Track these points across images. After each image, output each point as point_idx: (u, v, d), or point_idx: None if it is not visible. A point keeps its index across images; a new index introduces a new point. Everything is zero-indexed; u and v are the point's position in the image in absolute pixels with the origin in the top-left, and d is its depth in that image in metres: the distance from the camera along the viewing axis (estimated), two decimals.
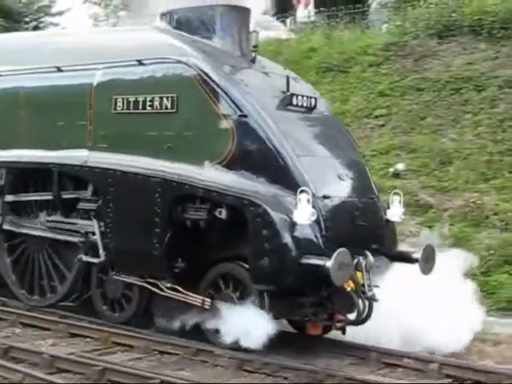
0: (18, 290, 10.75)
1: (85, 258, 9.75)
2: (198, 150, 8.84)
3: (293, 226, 8.17)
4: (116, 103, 9.54)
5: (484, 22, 16.55)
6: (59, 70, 10.29)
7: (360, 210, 8.84)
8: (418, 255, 9.08)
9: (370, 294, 8.55)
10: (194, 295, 8.81)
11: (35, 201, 10.59)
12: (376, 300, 8.59)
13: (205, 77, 8.85)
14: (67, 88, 10.17)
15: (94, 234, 9.64)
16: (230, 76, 8.94)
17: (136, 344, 8.65)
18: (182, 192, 8.75)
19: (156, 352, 8.48)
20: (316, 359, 8.40)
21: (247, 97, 8.73)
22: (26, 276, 10.72)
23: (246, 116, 8.59)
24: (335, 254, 7.94)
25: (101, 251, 9.48)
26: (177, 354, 8.40)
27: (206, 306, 8.72)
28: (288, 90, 9.17)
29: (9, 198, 10.74)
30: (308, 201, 8.06)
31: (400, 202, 9.34)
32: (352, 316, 8.69)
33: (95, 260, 9.63)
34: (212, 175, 8.63)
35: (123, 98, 9.48)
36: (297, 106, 9.12)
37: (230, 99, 8.69)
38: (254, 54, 9.69)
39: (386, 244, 9.15)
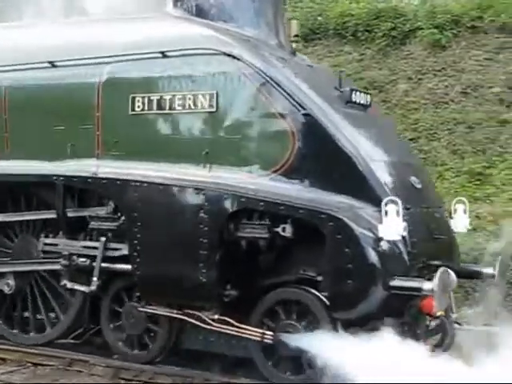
0: (7, 330, 9.10)
1: (69, 285, 8.29)
2: (246, 157, 7.49)
3: (378, 242, 6.94)
4: (134, 103, 8.05)
5: (348, 25, 16.62)
6: (53, 65, 8.68)
7: (435, 221, 7.72)
8: (490, 270, 8.02)
9: (453, 316, 7.45)
10: (250, 327, 7.44)
11: (23, 222, 8.96)
12: (460, 324, 7.50)
13: (254, 69, 7.49)
14: (64, 86, 8.57)
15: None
16: (284, 69, 7.62)
17: (8, 357, 8.39)
18: (236, 206, 7.35)
19: (30, 364, 8.23)
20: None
21: (308, 92, 7.43)
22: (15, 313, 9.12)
23: (308, 115, 7.29)
24: (438, 275, 6.77)
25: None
26: (51, 365, 8.13)
27: (266, 340, 7.36)
28: (341, 86, 7.96)
29: None
30: (397, 213, 6.85)
31: (465, 211, 8.28)
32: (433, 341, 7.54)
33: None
34: (270, 185, 7.30)
35: (143, 97, 8.00)
36: (355, 103, 7.89)
37: (288, 95, 7.37)
38: (294, 45, 8.42)
39: (455, 259, 8.05)
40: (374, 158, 7.28)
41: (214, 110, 7.63)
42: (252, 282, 7.54)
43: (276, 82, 7.42)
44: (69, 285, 8.40)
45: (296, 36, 8.39)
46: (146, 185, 7.75)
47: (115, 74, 8.23)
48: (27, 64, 8.82)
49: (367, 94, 8.17)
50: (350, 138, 7.26)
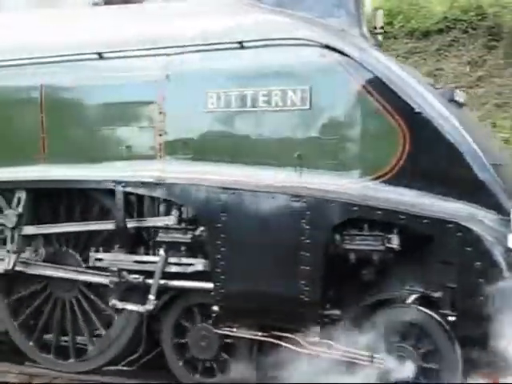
0: (39, 355, 8.07)
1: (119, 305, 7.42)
2: (345, 160, 6.69)
3: (509, 253, 6.26)
4: (208, 99, 7.15)
5: None
6: (101, 56, 7.70)
7: None
8: None
9: None
10: (358, 351, 6.65)
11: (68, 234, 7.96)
12: None
13: (356, 63, 6.71)
14: (116, 81, 7.60)
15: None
16: (390, 63, 6.86)
17: None
18: (346, 216, 6.55)
19: None
20: None
21: (418, 89, 6.69)
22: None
23: (421, 113, 6.55)
24: None
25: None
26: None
27: (377, 364, 6.59)
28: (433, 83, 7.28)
29: (29, 229, 7.99)
30: None
31: None
32: None
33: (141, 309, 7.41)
34: (378, 192, 6.53)
35: (220, 93, 7.11)
36: (456, 102, 7.18)
37: (397, 91, 6.61)
38: (379, 38, 7.67)
39: None
40: (487, 161, 6.58)
41: (307, 107, 6.80)
42: (352, 301, 6.76)
43: (383, 77, 6.65)
44: (120, 305, 7.44)
45: (382, 28, 7.62)
46: (232, 192, 6.86)
47: (183, 66, 7.32)
48: (69, 55, 7.81)
49: (462, 91, 7.49)
50: (466, 140, 6.54)
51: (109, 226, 7.54)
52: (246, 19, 7.30)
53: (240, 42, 7.08)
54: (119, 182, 7.38)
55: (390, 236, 6.47)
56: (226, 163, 7.04)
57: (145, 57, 7.50)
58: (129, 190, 7.37)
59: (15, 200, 7.95)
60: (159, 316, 7.62)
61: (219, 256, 6.89)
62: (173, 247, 7.27)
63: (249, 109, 7.02)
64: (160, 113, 7.36)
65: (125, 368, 7.92)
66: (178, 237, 7.22)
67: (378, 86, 6.63)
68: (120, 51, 7.62)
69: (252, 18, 7.31)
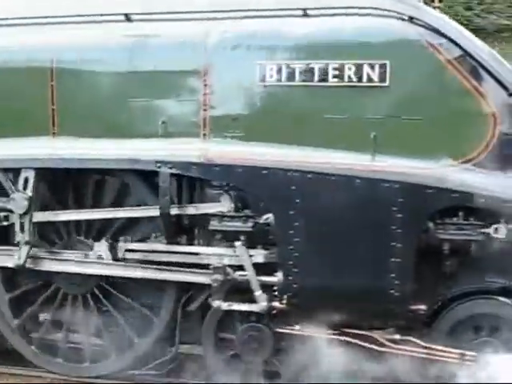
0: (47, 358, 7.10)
1: (224, 306, 6.50)
2: (429, 143, 6.17)
3: None
4: (265, 72, 6.40)
5: None
6: (128, 19, 6.76)
7: None
8: None
9: None
10: (447, 349, 6.18)
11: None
12: None
13: (441, 37, 6.17)
14: (148, 47, 6.68)
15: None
16: (477, 40, 6.37)
17: None
18: (446, 203, 6.03)
19: None
20: None
21: (505, 69, 6.26)
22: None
23: None
24: None
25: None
26: None
27: (468, 362, 6.15)
28: None
29: (40, 216, 6.93)
30: None
31: None
32: None
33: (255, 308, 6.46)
34: (472, 177, 6.06)
35: (281, 65, 6.38)
36: None
37: (489, 71, 6.16)
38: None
39: None
40: None
41: (385, 84, 6.21)
42: (434, 294, 6.28)
43: (473, 54, 6.16)
44: (225, 305, 6.58)
45: (441, 1, 7.12)
46: (309, 175, 6.16)
47: (234, 33, 6.51)
48: (86, 16, 6.80)
49: None
50: None
51: (152, 212, 6.61)
52: None
53: (304, 10, 6.35)
54: (165, 163, 6.47)
55: (496, 225, 6.00)
56: (287, 144, 6.33)
57: (182, 21, 6.61)
58: (176, 171, 6.47)
59: (21, 181, 6.85)
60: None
61: (292, 247, 6.19)
62: (227, 237, 6.47)
63: (316, 84, 6.32)
64: (205, 85, 6.51)
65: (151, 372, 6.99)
66: (235, 225, 6.43)
67: (467, 64, 6.15)
68: (153, 13, 6.68)
69: None
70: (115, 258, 6.79)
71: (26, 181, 6.84)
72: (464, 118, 6.13)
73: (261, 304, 6.39)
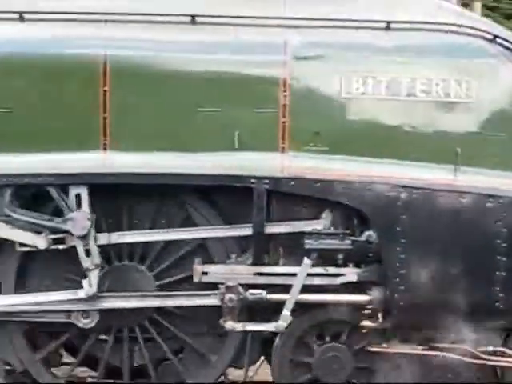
0: None
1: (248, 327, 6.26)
2: (507, 158, 6.39)
3: None
4: (350, 83, 6.24)
5: None
6: (193, 21, 6.25)
7: None
8: None
9: None
10: None
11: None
12: None
13: None
14: (220, 53, 6.24)
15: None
16: None
17: None
18: None
19: None
20: None
21: None
22: None
23: None
24: None
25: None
26: None
27: None
28: None
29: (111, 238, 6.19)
30: None
31: None
32: None
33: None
34: None
35: (366, 77, 6.26)
36: None
37: None
38: None
39: None
40: None
41: (471, 100, 6.32)
42: None
43: None
44: (239, 326, 6.19)
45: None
46: (413, 191, 6.08)
47: (315, 42, 6.26)
48: (149, 15, 6.19)
49: None
50: None
51: (244, 231, 6.15)
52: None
53: (388, 23, 6.27)
54: (260, 178, 6.04)
55: None
56: (367, 158, 6.21)
57: (256, 27, 6.24)
58: (272, 188, 6.07)
59: (72, 198, 6.05)
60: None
61: (397, 263, 6.07)
62: (324, 256, 6.19)
63: (403, 98, 6.27)
64: (284, 95, 6.20)
65: None
66: (333, 243, 6.16)
67: None
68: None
69: None
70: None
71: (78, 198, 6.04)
72: None
73: (280, 324, 6.17)
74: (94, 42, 6.12)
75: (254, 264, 6.21)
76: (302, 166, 6.16)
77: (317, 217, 6.25)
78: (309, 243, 6.15)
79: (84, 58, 6.11)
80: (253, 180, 6.05)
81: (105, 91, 6.13)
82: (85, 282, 6.07)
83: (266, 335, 6.48)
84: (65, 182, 6.11)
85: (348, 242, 6.18)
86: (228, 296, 6.10)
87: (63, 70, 6.10)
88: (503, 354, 6.37)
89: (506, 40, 6.39)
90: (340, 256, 6.18)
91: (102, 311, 6.26)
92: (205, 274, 6.22)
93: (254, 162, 6.12)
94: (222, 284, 6.16)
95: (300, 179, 6.08)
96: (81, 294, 6.11)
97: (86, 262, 6.04)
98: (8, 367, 6.44)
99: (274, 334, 6.42)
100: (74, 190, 6.09)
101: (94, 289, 6.06)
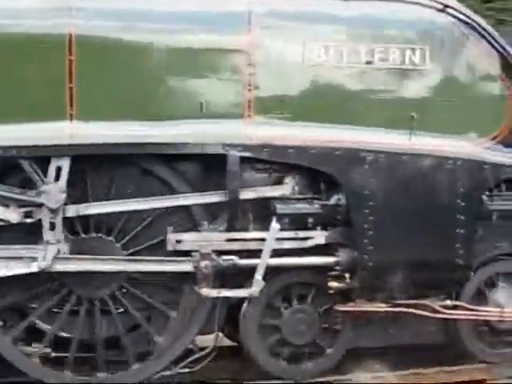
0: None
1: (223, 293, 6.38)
2: (458, 122, 6.72)
3: None
4: (311, 51, 6.41)
5: None
6: None
7: None
8: None
9: None
10: (489, 308, 6.82)
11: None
12: None
13: (472, 28, 6.70)
14: (184, 24, 6.27)
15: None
16: (494, 30, 6.99)
17: None
18: (500, 176, 6.61)
19: None
20: None
21: None
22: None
23: None
24: None
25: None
26: None
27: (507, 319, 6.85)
28: None
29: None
30: None
31: None
32: None
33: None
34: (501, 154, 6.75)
35: (329, 46, 6.45)
36: None
37: (506, 57, 6.85)
38: None
39: None
40: None
41: (425, 67, 6.61)
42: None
43: (494, 43, 6.79)
44: (214, 293, 6.28)
45: None
46: (383, 155, 6.31)
47: (280, 10, 6.38)
48: None
49: None
50: None
51: (217, 197, 6.22)
52: None
53: None
54: (234, 146, 6.12)
55: None
56: (328, 124, 6.41)
57: None
58: (247, 155, 6.16)
59: (52, 170, 5.96)
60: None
61: (366, 225, 6.29)
62: (293, 220, 6.34)
63: (363, 65, 6.49)
64: (250, 64, 6.30)
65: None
66: (303, 207, 6.33)
67: (491, 51, 6.77)
68: None
69: None
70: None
71: (59, 171, 5.95)
72: (489, 101, 6.75)
73: (253, 289, 6.30)
74: (59, 12, 6.01)
75: (227, 230, 6.28)
76: (271, 133, 6.27)
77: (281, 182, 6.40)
78: (280, 208, 6.29)
79: (49, 28, 5.99)
80: (226, 148, 6.11)
81: (70, 60, 6.04)
82: (40, 255, 5.95)
83: (233, 301, 6.58)
84: (32, 154, 5.98)
85: (317, 205, 6.35)
86: (203, 263, 6.16)
87: (29, 40, 5.96)
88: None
89: (456, 10, 6.70)
90: (310, 220, 6.33)
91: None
92: (178, 242, 6.24)
93: (224, 131, 6.18)
94: (196, 251, 6.22)
95: (273, 146, 6.18)
96: (34, 267, 5.98)
97: (48, 236, 5.95)
98: None
99: (241, 299, 6.54)
100: (55, 162, 5.98)
101: (49, 262, 5.96)
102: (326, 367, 6.71)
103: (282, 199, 6.33)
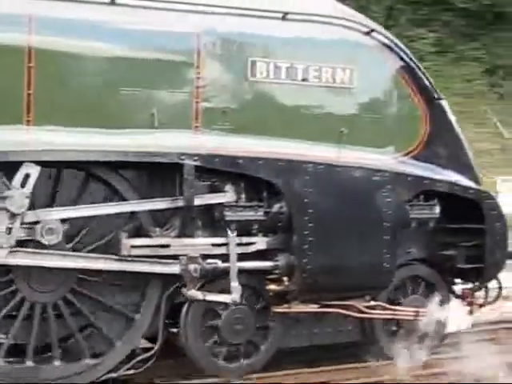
0: None
1: (208, 297, 6.76)
2: (380, 137, 7.37)
3: None
4: (253, 68, 6.87)
5: None
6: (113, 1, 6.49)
7: None
8: None
9: None
10: (403, 308, 7.50)
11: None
12: None
13: (393, 49, 7.39)
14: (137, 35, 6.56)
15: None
16: (406, 49, 7.65)
17: None
18: (419, 188, 7.28)
19: None
20: None
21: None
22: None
23: (440, 99, 7.66)
24: None
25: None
26: None
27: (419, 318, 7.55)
28: None
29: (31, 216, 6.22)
30: None
31: None
32: None
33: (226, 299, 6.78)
34: (420, 167, 7.44)
35: (268, 63, 6.92)
36: None
37: (426, 78, 7.56)
38: None
39: None
40: None
41: (352, 86, 7.21)
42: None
43: (411, 64, 7.49)
44: (200, 295, 6.68)
45: None
46: (322, 167, 6.82)
47: (224, 29, 6.79)
48: None
49: None
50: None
51: (173, 204, 6.51)
52: None
53: (285, 14, 6.96)
54: (190, 155, 6.43)
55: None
56: (264, 136, 6.86)
57: (177, 11, 6.65)
58: (200, 164, 6.48)
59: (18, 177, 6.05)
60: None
61: (307, 231, 6.77)
62: (240, 226, 6.73)
63: (299, 82, 7.00)
64: (198, 78, 6.67)
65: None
66: (247, 215, 6.72)
67: (408, 72, 7.46)
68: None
69: None
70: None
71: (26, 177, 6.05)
72: (407, 118, 7.48)
73: (233, 296, 6.70)
74: (20, 20, 6.10)
75: (179, 236, 6.57)
76: (215, 144, 6.63)
77: (222, 190, 6.74)
78: (228, 215, 6.66)
79: (9, 36, 6.07)
80: (182, 157, 6.41)
81: (29, 67, 6.14)
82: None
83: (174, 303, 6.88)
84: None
85: (261, 213, 6.76)
86: (192, 266, 6.46)
87: None
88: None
89: (381, 34, 7.33)
90: (255, 226, 6.75)
91: None
92: (133, 247, 6.46)
93: (176, 141, 6.49)
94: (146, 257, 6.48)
95: (224, 156, 6.55)
96: None
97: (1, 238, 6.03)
98: None
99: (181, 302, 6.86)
100: (24, 169, 6.06)
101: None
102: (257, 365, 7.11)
103: (231, 207, 6.68)
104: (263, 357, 7.14)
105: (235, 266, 6.62)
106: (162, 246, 6.53)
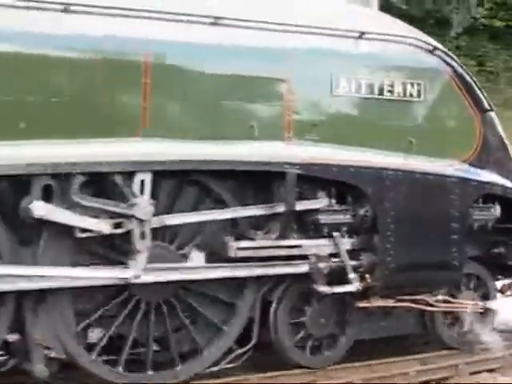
0: None
1: (335, 289, 7.37)
2: (443, 146, 8.08)
3: None
4: (338, 83, 7.50)
5: None
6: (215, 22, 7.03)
7: None
8: None
9: None
10: (467, 301, 8.23)
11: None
12: None
13: (451, 65, 8.09)
14: (236, 52, 7.10)
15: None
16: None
17: None
18: (480, 192, 8.01)
19: None
20: None
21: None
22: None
23: (492, 110, 8.41)
24: None
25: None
26: None
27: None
28: None
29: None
30: None
31: None
32: None
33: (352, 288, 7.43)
34: (478, 173, 8.18)
35: (351, 79, 7.56)
36: None
37: (478, 90, 8.29)
38: None
39: None
40: None
41: (420, 99, 7.89)
42: None
43: (468, 80, 8.21)
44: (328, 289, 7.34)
45: None
46: (400, 173, 7.49)
47: (311, 47, 7.38)
48: (180, 15, 6.84)
49: None
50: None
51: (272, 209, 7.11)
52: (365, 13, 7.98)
53: (361, 33, 7.59)
54: (292, 164, 7.01)
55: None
56: (349, 146, 7.48)
57: (268, 31, 7.20)
58: (301, 172, 7.07)
59: (136, 184, 6.52)
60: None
61: (389, 233, 7.42)
62: (331, 229, 7.35)
63: (376, 96, 7.65)
64: (288, 92, 7.24)
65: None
66: (338, 218, 7.34)
67: (464, 86, 8.17)
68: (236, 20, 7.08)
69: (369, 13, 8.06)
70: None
71: (143, 184, 6.53)
72: (464, 129, 8.17)
73: (355, 284, 7.41)
74: None
75: (278, 239, 7.15)
76: (308, 154, 7.22)
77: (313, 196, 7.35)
78: (322, 218, 7.27)
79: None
80: (286, 166, 6.99)
81: (145, 83, 6.61)
82: (132, 263, 6.48)
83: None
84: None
85: (348, 216, 7.40)
86: (322, 264, 7.16)
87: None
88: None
89: (442, 51, 8.04)
90: (344, 228, 7.38)
91: None
92: (239, 249, 7.01)
93: (276, 151, 7.07)
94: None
95: (321, 165, 7.18)
96: (129, 273, 6.52)
97: (139, 245, 6.47)
98: None
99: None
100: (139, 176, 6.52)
101: (139, 271, 6.51)
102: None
103: (324, 211, 7.30)
104: (342, 349, 7.75)
105: (348, 261, 7.31)
106: (263, 248, 7.10)
